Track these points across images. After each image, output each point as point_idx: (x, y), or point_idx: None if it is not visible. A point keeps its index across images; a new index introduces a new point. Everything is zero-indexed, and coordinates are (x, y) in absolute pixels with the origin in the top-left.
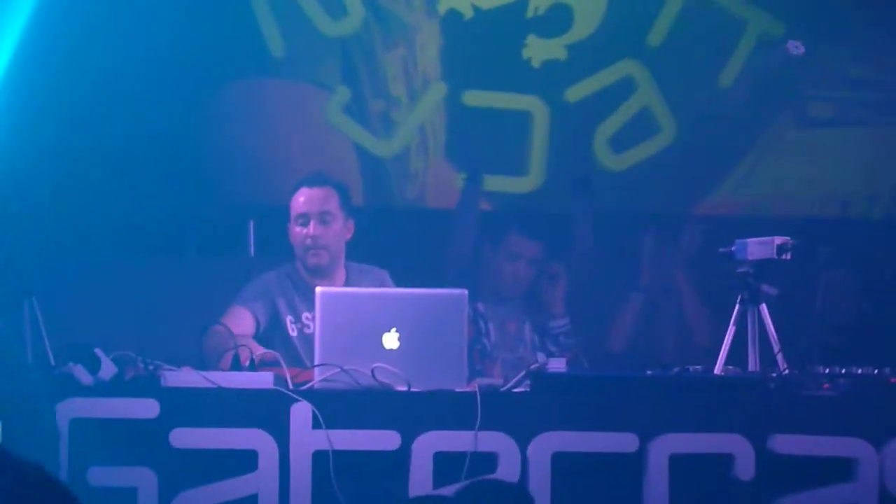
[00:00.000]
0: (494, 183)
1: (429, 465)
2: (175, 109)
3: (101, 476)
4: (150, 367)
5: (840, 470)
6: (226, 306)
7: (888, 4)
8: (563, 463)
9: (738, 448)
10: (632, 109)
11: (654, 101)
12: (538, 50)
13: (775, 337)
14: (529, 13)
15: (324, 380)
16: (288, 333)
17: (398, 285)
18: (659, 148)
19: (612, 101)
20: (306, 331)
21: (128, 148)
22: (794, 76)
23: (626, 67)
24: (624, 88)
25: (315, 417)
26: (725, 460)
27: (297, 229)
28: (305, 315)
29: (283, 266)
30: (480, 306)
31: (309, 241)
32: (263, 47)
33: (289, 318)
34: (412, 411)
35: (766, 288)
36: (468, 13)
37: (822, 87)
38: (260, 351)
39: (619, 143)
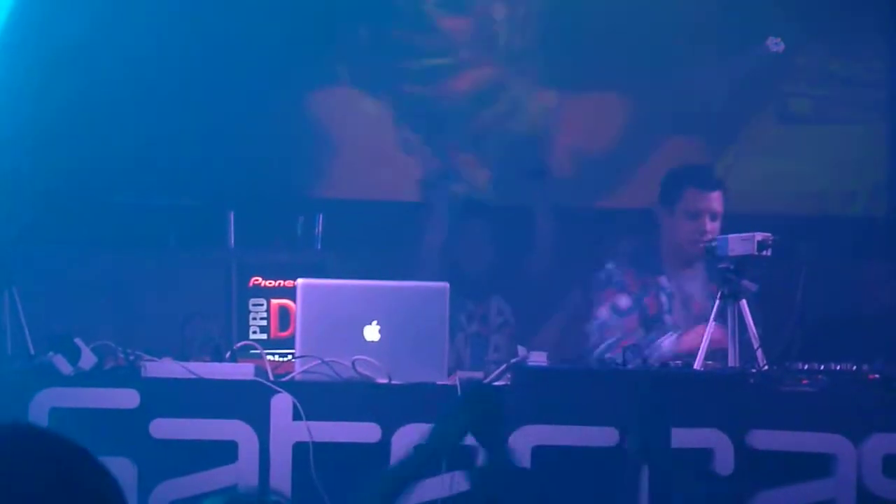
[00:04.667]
0: None
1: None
2: (154, 100)
3: None
4: (131, 358)
5: (818, 466)
6: (206, 297)
7: (868, 2)
8: (543, 456)
9: (717, 443)
10: None
11: None
12: None
13: (755, 333)
14: None
15: (304, 371)
16: None
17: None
18: None
19: None
20: None
21: (108, 139)
22: (775, 73)
23: None
24: None
25: (295, 409)
26: (704, 455)
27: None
28: None
29: None
30: (664, 280)
31: None
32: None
33: None
34: (392, 404)
35: (746, 284)
36: None
37: (802, 83)
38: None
39: None
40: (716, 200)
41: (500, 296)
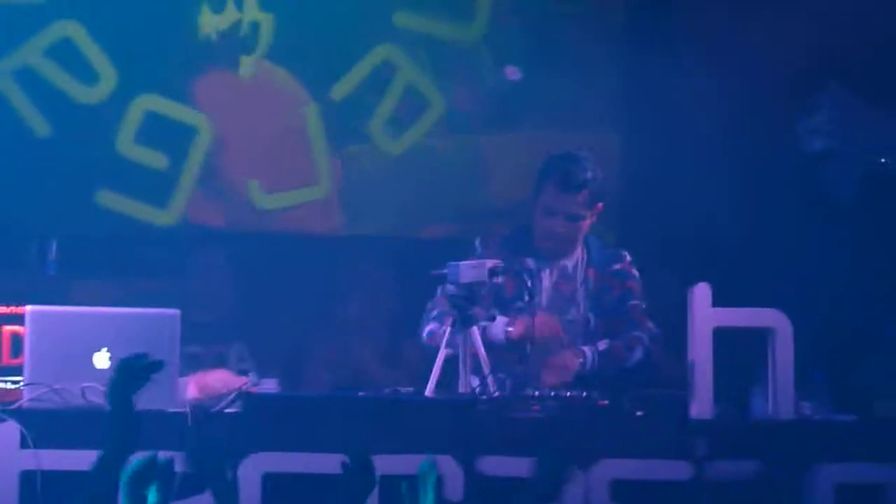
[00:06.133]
0: (286, 198)
1: None
2: None
3: None
4: None
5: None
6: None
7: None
8: (273, 484)
9: (447, 469)
10: (397, 91)
11: (417, 78)
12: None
13: (486, 360)
14: None
15: (33, 399)
16: None
17: None
18: (432, 121)
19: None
20: None
21: None
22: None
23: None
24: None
25: (23, 437)
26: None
27: None
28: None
29: None
30: (531, 262)
31: None
32: None
33: None
34: None
35: (477, 311)
36: None
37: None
38: None
39: (395, 126)
40: (575, 203)
41: (242, 342)
